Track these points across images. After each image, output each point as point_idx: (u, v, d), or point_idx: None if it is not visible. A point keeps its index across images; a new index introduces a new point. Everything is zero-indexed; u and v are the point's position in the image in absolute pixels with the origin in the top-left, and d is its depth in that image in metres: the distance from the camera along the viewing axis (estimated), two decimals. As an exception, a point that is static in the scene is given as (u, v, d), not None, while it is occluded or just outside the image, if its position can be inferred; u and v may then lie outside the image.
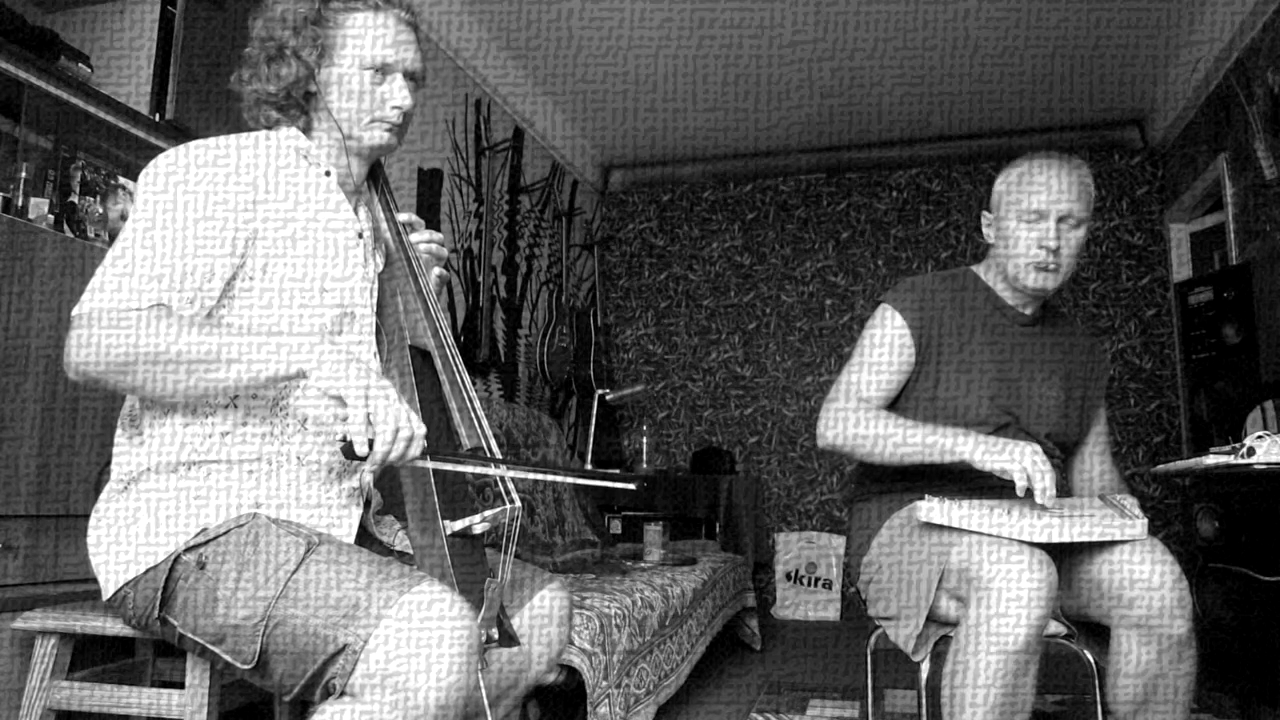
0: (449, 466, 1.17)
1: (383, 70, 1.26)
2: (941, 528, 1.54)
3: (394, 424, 1.04)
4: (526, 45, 4.00)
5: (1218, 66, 3.78)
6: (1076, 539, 1.46)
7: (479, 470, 1.21)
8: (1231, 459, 2.33)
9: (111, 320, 1.06)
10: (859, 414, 1.67)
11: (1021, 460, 1.48)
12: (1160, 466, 2.76)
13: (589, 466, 4.20)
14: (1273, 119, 3.28)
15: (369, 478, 1.35)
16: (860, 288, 5.12)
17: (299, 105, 1.28)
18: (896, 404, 1.77)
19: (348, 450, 1.03)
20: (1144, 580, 1.48)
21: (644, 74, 4.25)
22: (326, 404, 1.22)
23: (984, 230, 1.83)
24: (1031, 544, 1.43)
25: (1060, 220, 1.69)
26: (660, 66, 4.17)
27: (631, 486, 1.28)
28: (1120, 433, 4.62)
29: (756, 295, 5.28)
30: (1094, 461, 1.89)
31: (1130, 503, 1.63)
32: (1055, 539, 1.44)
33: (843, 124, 4.86)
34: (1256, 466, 2.28)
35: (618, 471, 4.53)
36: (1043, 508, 1.49)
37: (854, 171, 5.21)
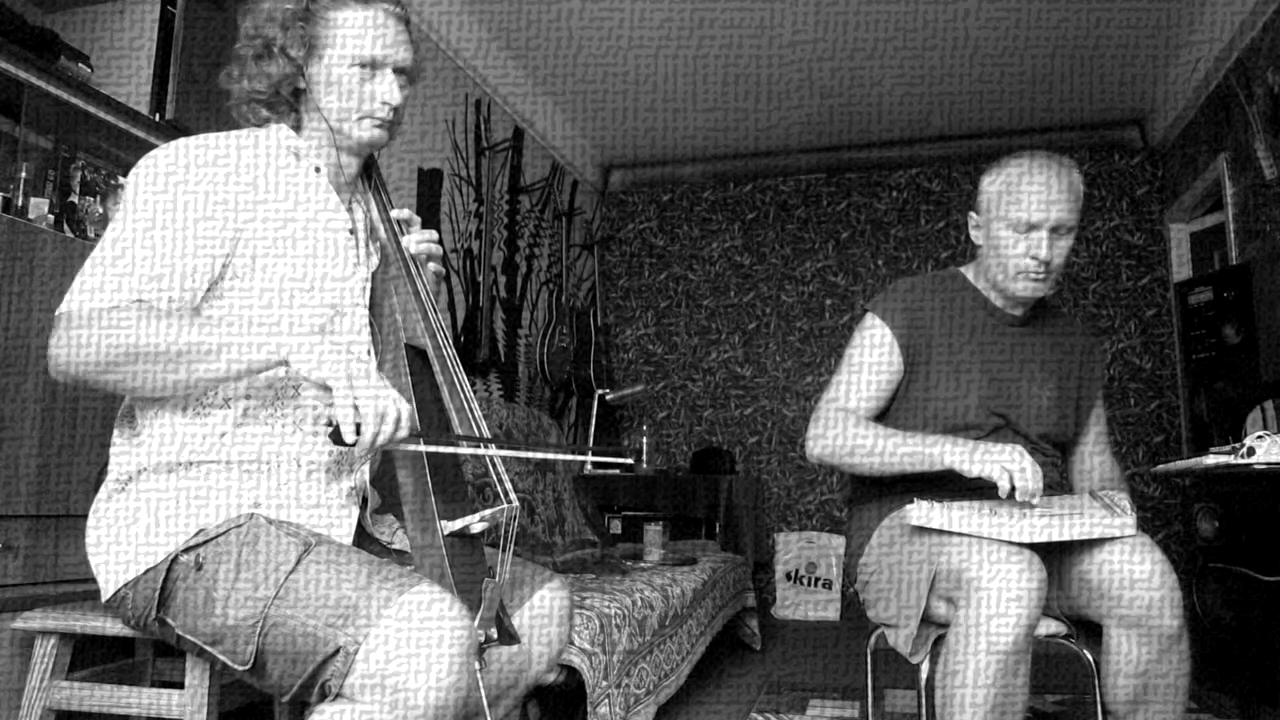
0: (442, 449, 1.16)
1: (371, 66, 1.25)
2: (933, 530, 1.54)
3: (378, 406, 1.03)
4: (526, 45, 4.00)
5: (1218, 66, 3.78)
6: (1063, 538, 1.47)
7: (469, 451, 1.20)
8: (1231, 459, 2.33)
9: (90, 319, 1.04)
10: (842, 427, 1.66)
11: (1000, 460, 1.47)
12: (1160, 466, 2.76)
13: (589, 467, 4.20)
14: (1273, 119, 3.28)
15: (367, 477, 1.35)
16: (860, 288, 5.12)
17: (288, 103, 1.27)
18: (889, 411, 1.76)
19: (335, 436, 1.02)
20: (1134, 576, 1.48)
21: (644, 74, 4.25)
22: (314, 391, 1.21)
23: (971, 232, 1.80)
24: (1020, 544, 1.43)
25: (1052, 231, 1.67)
26: (660, 66, 4.17)
27: (629, 461, 1.28)
28: (1120, 433, 4.62)
29: (756, 295, 5.28)
30: (1093, 457, 1.87)
31: (1121, 498, 1.63)
32: (1042, 539, 1.44)
33: (843, 124, 4.86)
34: (1256, 466, 2.28)
35: (616, 473, 4.51)
36: (1031, 507, 1.49)
37: (854, 171, 5.21)
